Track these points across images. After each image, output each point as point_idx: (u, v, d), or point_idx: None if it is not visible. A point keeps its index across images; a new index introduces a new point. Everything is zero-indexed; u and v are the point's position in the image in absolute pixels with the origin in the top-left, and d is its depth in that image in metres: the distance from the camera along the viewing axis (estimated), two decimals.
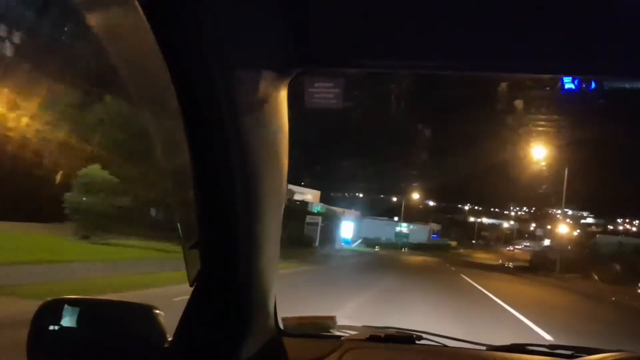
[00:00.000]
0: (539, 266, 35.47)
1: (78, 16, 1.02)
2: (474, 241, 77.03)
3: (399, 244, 51.24)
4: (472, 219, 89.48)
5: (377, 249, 45.32)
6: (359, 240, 48.82)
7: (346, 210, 59.61)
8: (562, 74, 1.30)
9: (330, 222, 36.34)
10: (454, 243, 69.44)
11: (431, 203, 71.00)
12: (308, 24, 1.00)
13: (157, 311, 1.19)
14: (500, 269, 37.48)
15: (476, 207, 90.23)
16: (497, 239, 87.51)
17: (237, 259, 1.07)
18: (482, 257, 57.52)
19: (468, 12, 0.95)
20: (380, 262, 29.95)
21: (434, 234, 69.18)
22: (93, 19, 0.94)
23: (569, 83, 1.51)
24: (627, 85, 1.43)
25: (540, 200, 63.66)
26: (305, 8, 0.99)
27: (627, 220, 65.80)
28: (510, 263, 45.46)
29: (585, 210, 71.48)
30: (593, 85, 1.47)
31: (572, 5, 0.90)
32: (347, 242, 39.53)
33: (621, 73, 1.02)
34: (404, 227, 55.92)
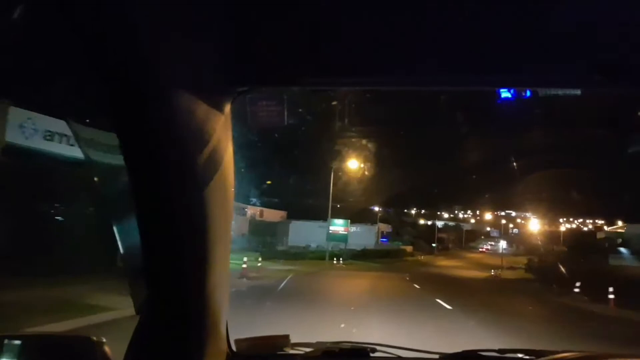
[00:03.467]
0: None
1: None
2: (434, 244, 62.65)
3: (335, 251, 34.40)
4: (422, 222, 78.33)
5: (258, 261, 19.01)
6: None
7: (264, 209, 43.60)
8: (500, 87, 1.44)
9: None
10: (409, 248, 54.31)
11: (376, 208, 56.12)
12: (249, 44, 1.02)
13: (99, 340, 1.16)
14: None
15: (422, 211, 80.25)
16: (456, 241, 75.85)
17: (184, 283, 1.06)
18: (455, 266, 42.49)
19: (407, 31, 1.00)
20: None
21: (382, 236, 53.50)
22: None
23: (505, 92, 1.59)
24: (559, 93, 1.57)
25: (485, 203, 68.02)
26: (246, 28, 1.01)
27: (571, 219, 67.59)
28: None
29: (527, 211, 75.39)
30: (528, 93, 1.56)
31: (507, 28, 0.99)
32: None
33: (552, 84, 1.18)
34: (339, 226, 38.36)
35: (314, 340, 1.51)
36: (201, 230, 1.02)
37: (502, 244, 77.31)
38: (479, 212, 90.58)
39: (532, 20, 0.98)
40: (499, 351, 1.48)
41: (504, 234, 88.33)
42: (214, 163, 1.03)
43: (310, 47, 1.02)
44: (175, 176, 0.96)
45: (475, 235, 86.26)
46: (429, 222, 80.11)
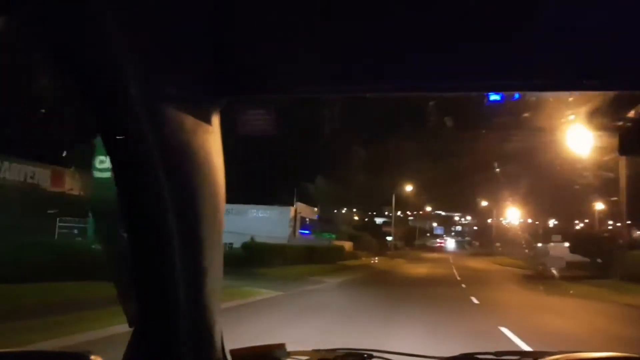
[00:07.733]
0: None
1: None
2: (390, 238, 43.50)
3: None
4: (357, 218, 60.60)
5: None
6: None
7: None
8: (489, 91, 1.42)
9: None
10: (347, 244, 33.57)
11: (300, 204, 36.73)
12: (234, 53, 1.05)
13: (95, 357, 1.13)
14: None
15: (354, 210, 63.21)
16: (403, 238, 65.59)
17: (177, 294, 1.06)
18: (455, 281, 22.98)
19: (393, 37, 1.01)
20: None
21: (303, 226, 32.25)
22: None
23: (493, 95, 1.52)
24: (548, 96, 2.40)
25: (421, 200, 65.53)
26: (231, 37, 1.04)
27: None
28: None
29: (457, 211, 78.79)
30: (517, 96, 1.49)
31: (495, 32, 1.01)
32: None
33: (540, 88, 1.17)
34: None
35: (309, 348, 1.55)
36: (192, 241, 1.04)
37: (450, 241, 79.94)
38: (413, 210, 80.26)
39: (519, 23, 1.00)
40: (495, 354, 1.53)
41: (447, 232, 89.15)
42: (204, 173, 1.05)
43: (295, 56, 1.05)
44: (165, 188, 0.97)
45: (419, 232, 78.52)
46: (366, 219, 62.44)
